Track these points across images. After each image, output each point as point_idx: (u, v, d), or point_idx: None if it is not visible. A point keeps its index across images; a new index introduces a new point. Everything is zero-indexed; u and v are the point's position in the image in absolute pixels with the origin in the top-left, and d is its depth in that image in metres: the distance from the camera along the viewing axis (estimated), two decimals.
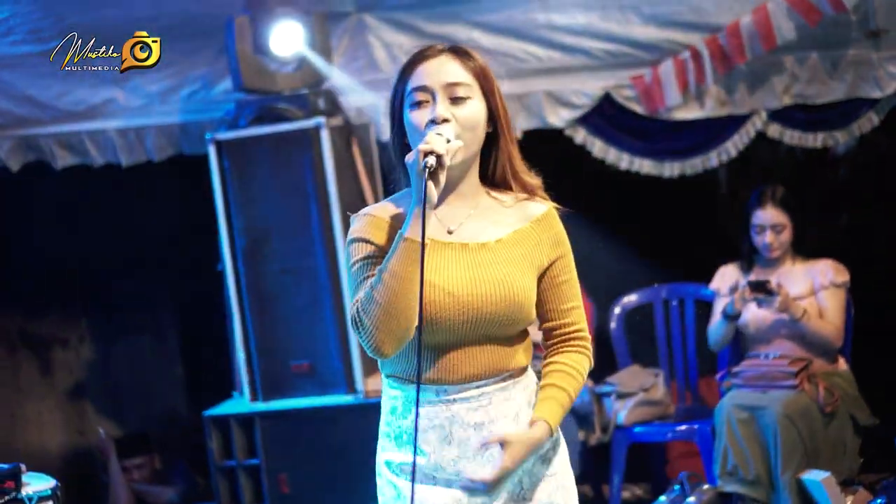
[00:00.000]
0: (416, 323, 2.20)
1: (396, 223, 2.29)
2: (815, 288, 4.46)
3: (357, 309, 2.22)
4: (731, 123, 4.92)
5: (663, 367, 4.94)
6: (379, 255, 2.26)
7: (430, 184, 2.16)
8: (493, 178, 2.39)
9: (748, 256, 4.61)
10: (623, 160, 5.05)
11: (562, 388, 2.31)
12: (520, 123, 5.01)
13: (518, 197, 2.38)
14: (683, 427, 4.64)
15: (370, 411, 4.59)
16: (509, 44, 4.89)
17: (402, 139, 2.34)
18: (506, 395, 2.32)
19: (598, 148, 5.05)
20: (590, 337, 2.41)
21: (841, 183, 5.60)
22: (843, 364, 4.50)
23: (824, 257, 4.55)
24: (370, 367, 4.72)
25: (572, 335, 2.38)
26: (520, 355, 2.35)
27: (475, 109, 2.30)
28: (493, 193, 2.38)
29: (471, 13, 4.91)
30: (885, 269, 5.02)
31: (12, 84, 5.16)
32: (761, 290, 4.34)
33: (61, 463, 6.06)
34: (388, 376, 2.39)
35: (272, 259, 4.71)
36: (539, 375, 2.39)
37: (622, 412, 4.64)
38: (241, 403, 4.94)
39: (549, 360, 2.37)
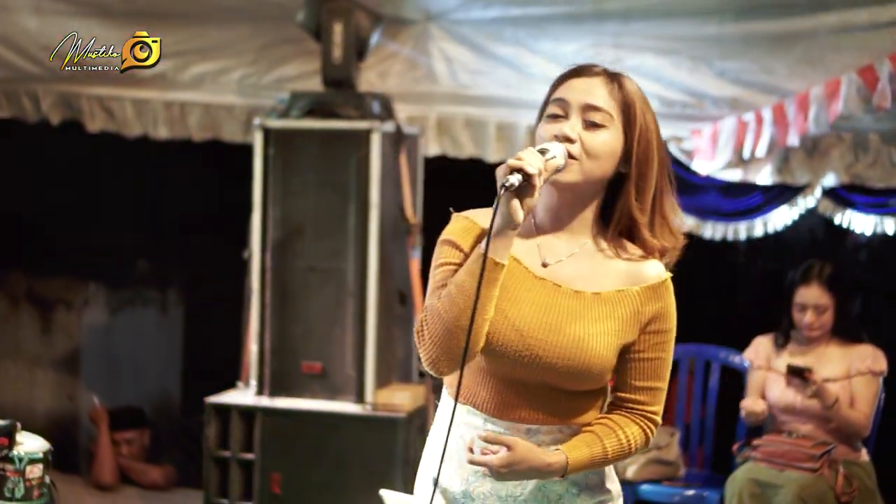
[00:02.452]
0: (480, 347, 2.07)
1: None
2: (850, 372, 4.32)
3: (422, 318, 2.10)
4: (785, 194, 4.82)
5: (679, 428, 4.83)
6: (462, 264, 2.11)
7: (515, 202, 2.00)
8: (607, 224, 2.18)
9: (785, 331, 4.46)
10: None
11: (601, 441, 2.12)
12: None
13: (632, 254, 2.16)
14: (692, 492, 4.53)
15: (376, 424, 4.52)
16: None
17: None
18: (557, 443, 2.13)
19: None
20: (660, 421, 2.20)
21: (859, 268, 5.47)
22: (864, 455, 4.37)
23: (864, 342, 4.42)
24: (383, 380, 4.63)
25: (640, 412, 2.17)
26: (588, 413, 2.17)
27: (606, 140, 2.11)
28: (601, 241, 2.18)
29: (537, 40, 4.81)
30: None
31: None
32: (798, 376, 4.24)
33: (46, 424, 5.97)
34: (446, 386, 2.26)
35: (302, 255, 4.62)
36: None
37: (632, 466, 4.52)
38: (244, 395, 4.83)
39: (606, 416, 2.18)
